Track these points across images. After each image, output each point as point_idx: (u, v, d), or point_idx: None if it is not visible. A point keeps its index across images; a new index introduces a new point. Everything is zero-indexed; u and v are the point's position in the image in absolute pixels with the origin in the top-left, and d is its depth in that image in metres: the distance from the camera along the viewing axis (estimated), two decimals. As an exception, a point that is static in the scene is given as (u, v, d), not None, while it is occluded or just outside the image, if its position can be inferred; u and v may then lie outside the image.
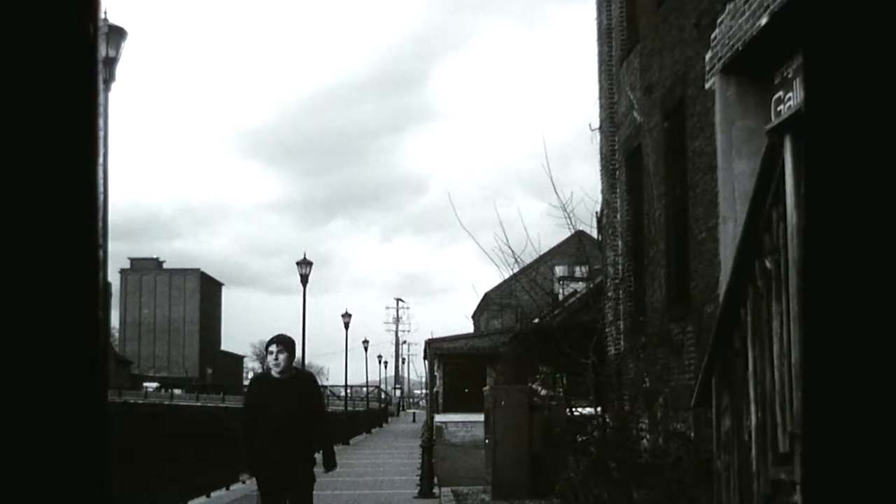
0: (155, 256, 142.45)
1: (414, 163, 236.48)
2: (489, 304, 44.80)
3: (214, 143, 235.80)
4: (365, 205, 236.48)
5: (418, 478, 17.28)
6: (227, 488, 16.12)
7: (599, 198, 16.18)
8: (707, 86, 10.64)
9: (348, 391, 64.77)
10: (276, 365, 7.61)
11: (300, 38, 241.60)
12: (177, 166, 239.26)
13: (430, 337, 39.56)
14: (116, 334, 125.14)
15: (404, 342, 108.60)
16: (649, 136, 13.26)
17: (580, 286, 21.97)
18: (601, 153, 16.30)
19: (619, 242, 15.27)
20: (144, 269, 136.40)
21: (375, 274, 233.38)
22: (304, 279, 38.09)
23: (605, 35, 16.29)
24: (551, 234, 26.29)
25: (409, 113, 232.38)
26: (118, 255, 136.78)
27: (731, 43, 9.79)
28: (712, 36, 10.38)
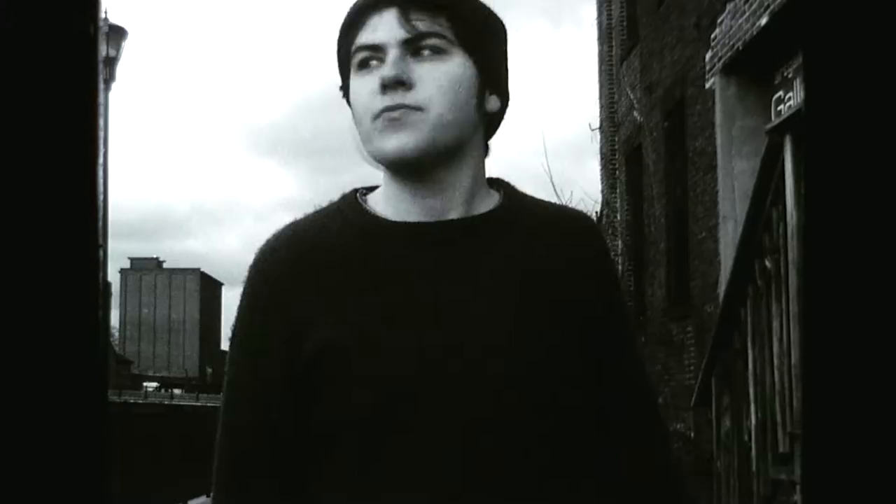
0: (155, 256, 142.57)
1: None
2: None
3: (230, 141, 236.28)
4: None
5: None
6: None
7: (599, 197, 16.21)
8: (707, 85, 10.64)
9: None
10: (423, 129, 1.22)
11: (316, 36, 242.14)
12: (191, 166, 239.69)
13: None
14: (116, 334, 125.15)
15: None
16: (649, 136, 13.26)
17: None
18: (601, 153, 16.31)
19: (619, 242, 15.27)
20: (144, 268, 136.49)
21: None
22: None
23: (605, 35, 16.30)
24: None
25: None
26: (130, 254, 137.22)
27: (731, 43, 9.78)
28: (712, 36, 10.38)
